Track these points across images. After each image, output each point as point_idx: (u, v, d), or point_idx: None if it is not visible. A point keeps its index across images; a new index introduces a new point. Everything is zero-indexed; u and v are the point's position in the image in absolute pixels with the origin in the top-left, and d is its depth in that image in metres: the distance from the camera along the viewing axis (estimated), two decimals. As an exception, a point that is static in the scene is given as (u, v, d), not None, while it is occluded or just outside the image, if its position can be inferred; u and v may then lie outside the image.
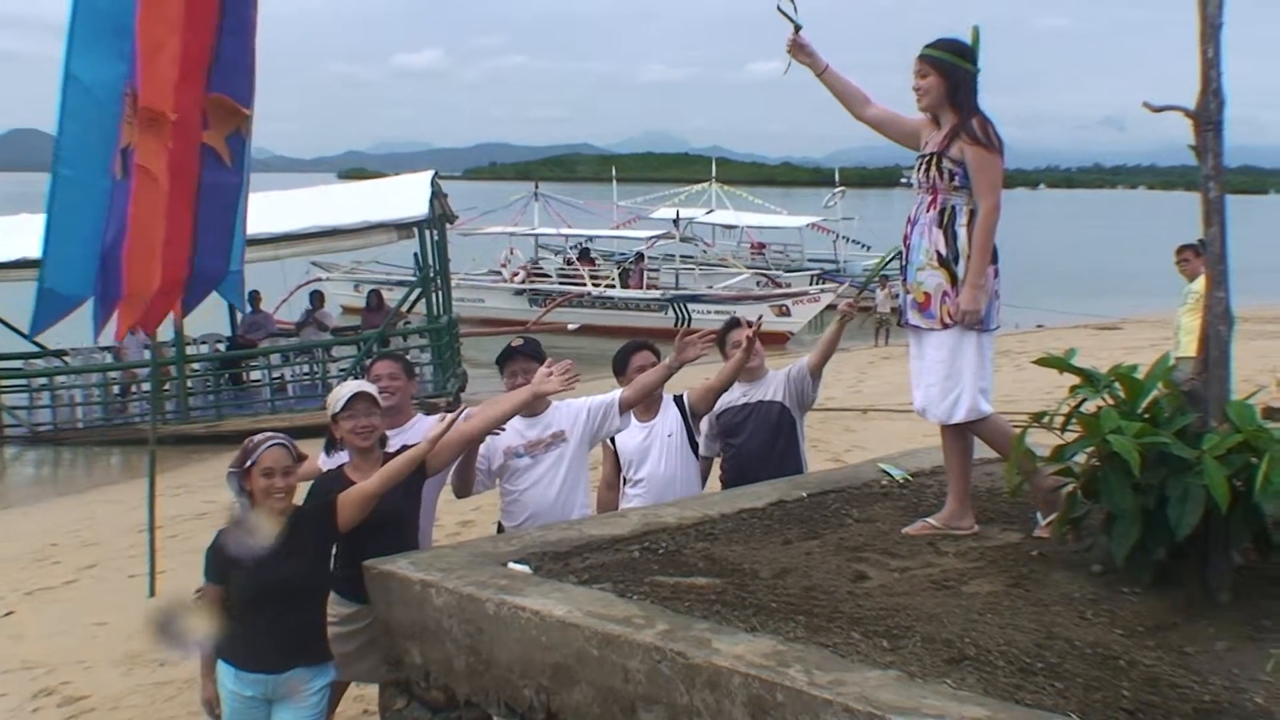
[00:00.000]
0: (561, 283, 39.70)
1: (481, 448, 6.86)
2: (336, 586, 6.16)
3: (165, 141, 9.13)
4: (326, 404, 6.32)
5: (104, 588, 11.57)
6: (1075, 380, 5.55)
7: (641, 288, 38.39)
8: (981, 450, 6.53)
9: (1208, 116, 5.29)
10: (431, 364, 22.40)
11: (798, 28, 6.40)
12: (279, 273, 27.99)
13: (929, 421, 6.38)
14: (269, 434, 5.83)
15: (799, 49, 6.45)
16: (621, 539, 6.09)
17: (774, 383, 7.93)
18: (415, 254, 23.58)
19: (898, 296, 6.63)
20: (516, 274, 40.54)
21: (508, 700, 5.12)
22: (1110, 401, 5.38)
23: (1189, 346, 9.17)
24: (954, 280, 6.04)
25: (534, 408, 6.94)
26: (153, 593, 10.25)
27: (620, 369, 7.67)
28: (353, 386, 6.28)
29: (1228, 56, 5.32)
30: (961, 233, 6.04)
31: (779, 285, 40.26)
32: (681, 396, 7.73)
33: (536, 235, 44.37)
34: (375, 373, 6.90)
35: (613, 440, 7.62)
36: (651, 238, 42.53)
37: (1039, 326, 33.80)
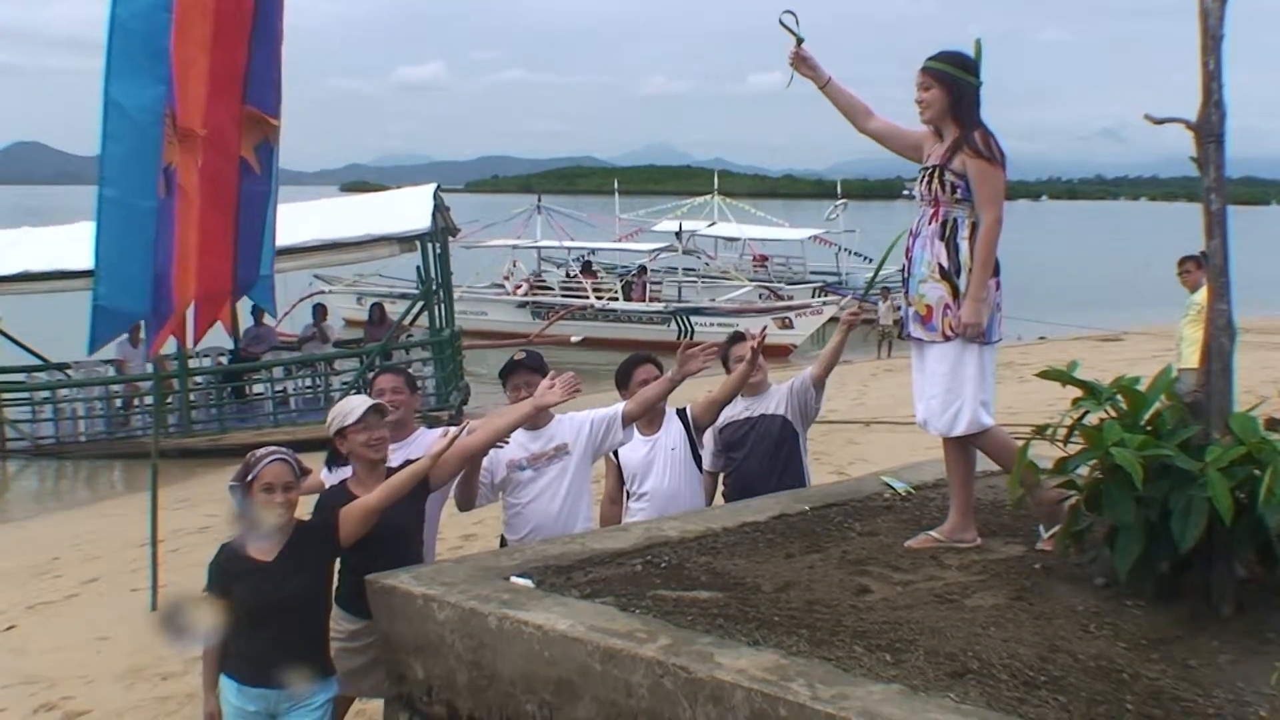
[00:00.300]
0: (564, 295, 39.69)
1: (485, 460, 6.86)
2: (342, 602, 6.16)
3: (196, 157, 9.23)
4: (329, 419, 6.30)
5: (106, 602, 11.56)
6: (1078, 392, 5.56)
7: (644, 300, 38.37)
8: (984, 463, 6.53)
9: (1209, 129, 5.30)
10: (434, 377, 22.38)
11: (800, 40, 6.41)
12: (281, 286, 27.93)
13: (931, 434, 6.38)
14: (272, 448, 5.82)
15: (801, 61, 6.46)
16: (624, 553, 6.08)
17: (777, 396, 7.92)
18: (418, 267, 23.59)
19: (900, 309, 6.63)
20: (519, 287, 40.54)
21: (510, 715, 5.10)
22: (1113, 414, 5.38)
23: (1191, 358, 9.17)
24: (956, 293, 6.04)
25: (537, 421, 6.94)
26: (155, 607, 10.25)
27: (623, 382, 7.67)
28: (362, 400, 6.27)
29: (1228, 67, 5.32)
30: (963, 245, 6.04)
31: (781, 298, 40.24)
32: (685, 410, 7.72)
33: (539, 248, 44.38)
34: (379, 386, 6.90)
35: (616, 454, 7.61)
36: (654, 250, 42.54)
37: (1041, 338, 33.79)
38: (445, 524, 7.38)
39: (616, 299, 38.30)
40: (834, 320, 31.02)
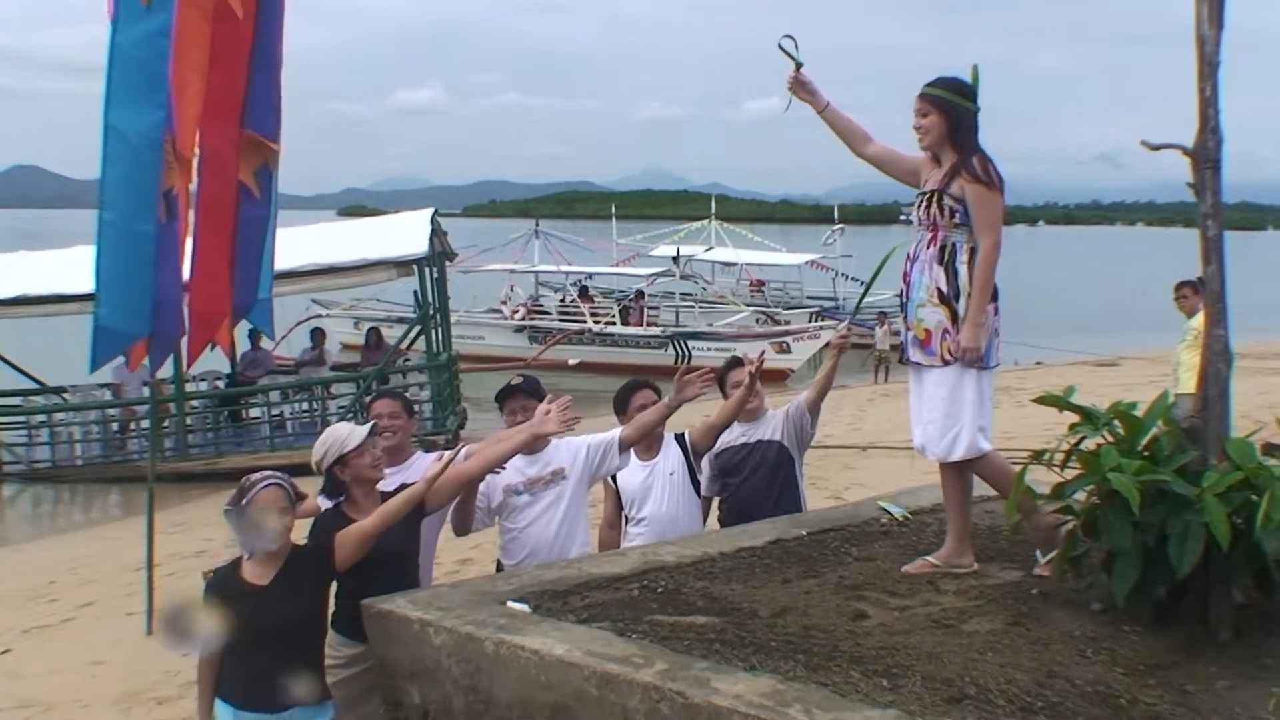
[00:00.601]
0: (562, 320, 39.69)
1: (481, 485, 6.85)
2: (339, 626, 6.15)
3: (188, 180, 9.27)
4: (322, 451, 6.23)
5: (102, 625, 11.53)
6: (1075, 418, 5.56)
7: (642, 325, 38.39)
8: (981, 488, 6.53)
9: (1206, 154, 5.31)
10: (431, 401, 22.37)
11: (799, 65, 6.42)
12: (279, 309, 27.96)
13: (928, 459, 6.38)
14: (267, 473, 5.80)
15: (800, 86, 6.48)
16: (621, 577, 6.08)
17: (773, 422, 7.93)
18: (415, 291, 23.60)
19: (898, 333, 6.64)
20: (517, 311, 40.56)
21: (507, 740, 5.09)
22: (1110, 439, 5.38)
23: (1188, 383, 9.19)
24: (954, 317, 6.04)
25: (534, 445, 6.94)
26: (150, 631, 10.23)
27: (621, 407, 7.67)
28: (350, 426, 6.26)
29: (1224, 93, 5.34)
30: (962, 270, 6.05)
31: (778, 323, 40.26)
32: (683, 435, 7.72)
33: (537, 272, 44.40)
34: (376, 411, 6.90)
35: (614, 479, 7.61)
36: (652, 275, 42.56)
37: (1038, 363, 33.77)
38: (442, 548, 7.37)
39: (614, 323, 38.31)
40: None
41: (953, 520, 6.33)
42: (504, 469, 6.84)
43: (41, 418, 22.56)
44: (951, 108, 6.13)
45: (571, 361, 34.35)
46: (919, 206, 6.23)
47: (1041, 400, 5.81)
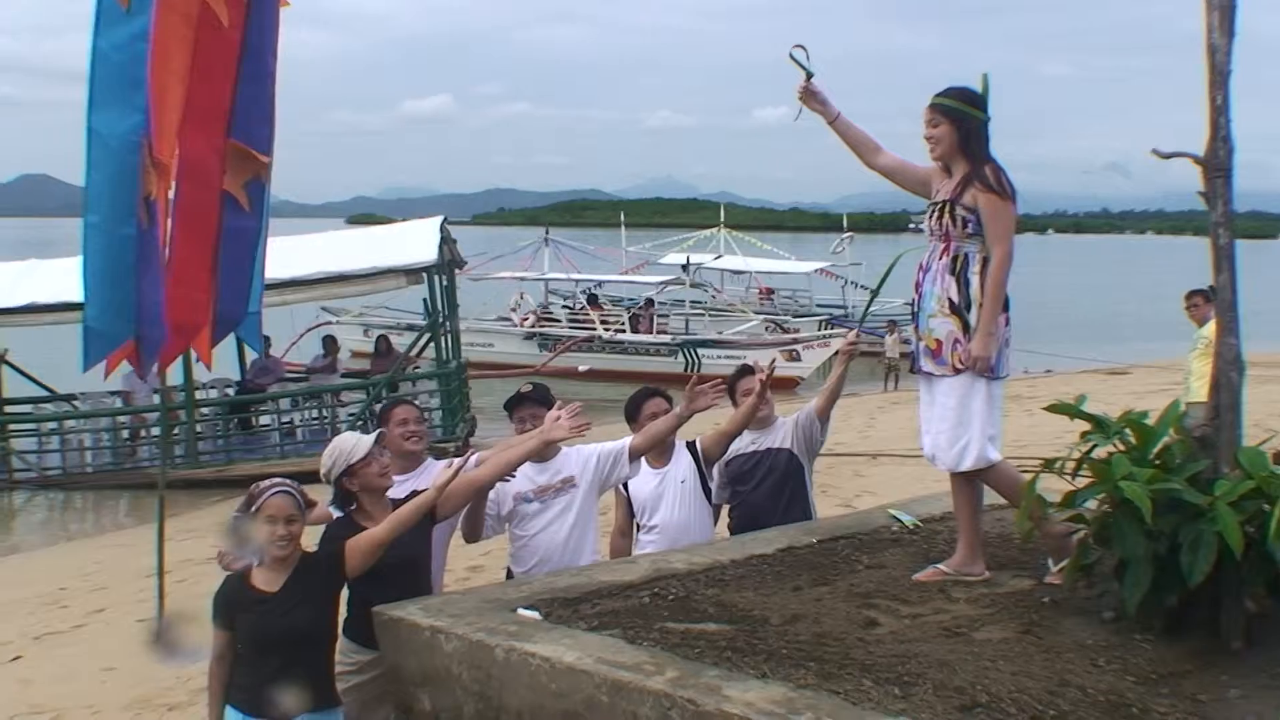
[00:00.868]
0: (572, 327, 39.69)
1: (491, 492, 6.86)
2: (351, 633, 6.16)
3: (167, 186, 9.27)
4: (329, 463, 6.23)
5: (112, 632, 11.55)
6: (1085, 426, 5.55)
7: (651, 333, 38.39)
8: (992, 495, 6.52)
9: (1217, 163, 5.31)
10: (440, 409, 22.39)
11: (809, 75, 6.42)
12: (288, 317, 28.07)
13: (937, 468, 6.37)
14: (275, 481, 5.81)
15: (810, 96, 6.47)
16: (631, 585, 6.08)
17: (783, 430, 7.92)
18: (424, 299, 23.61)
19: (908, 342, 6.64)
20: (526, 318, 40.58)
21: (517, 747, 5.10)
22: (1121, 448, 5.38)
23: (1199, 391, 9.15)
24: (966, 327, 6.04)
25: (544, 453, 6.94)
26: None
27: (633, 415, 7.67)
28: (356, 436, 6.27)
29: (1235, 102, 5.34)
30: (974, 280, 6.04)
31: (787, 331, 40.25)
32: (694, 442, 7.72)
33: (546, 280, 44.40)
34: (399, 416, 6.92)
35: (625, 487, 7.61)
36: (661, 283, 42.57)
37: (1048, 371, 33.73)
38: (452, 556, 7.37)
39: (623, 330, 38.31)
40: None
41: (963, 528, 6.32)
42: (514, 476, 6.84)
43: (52, 425, 22.65)
44: (962, 117, 6.13)
45: (582, 368, 34.35)
46: (931, 217, 6.22)
47: (1052, 408, 5.81)
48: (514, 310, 41.32)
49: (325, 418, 23.25)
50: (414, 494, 6.16)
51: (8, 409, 23.45)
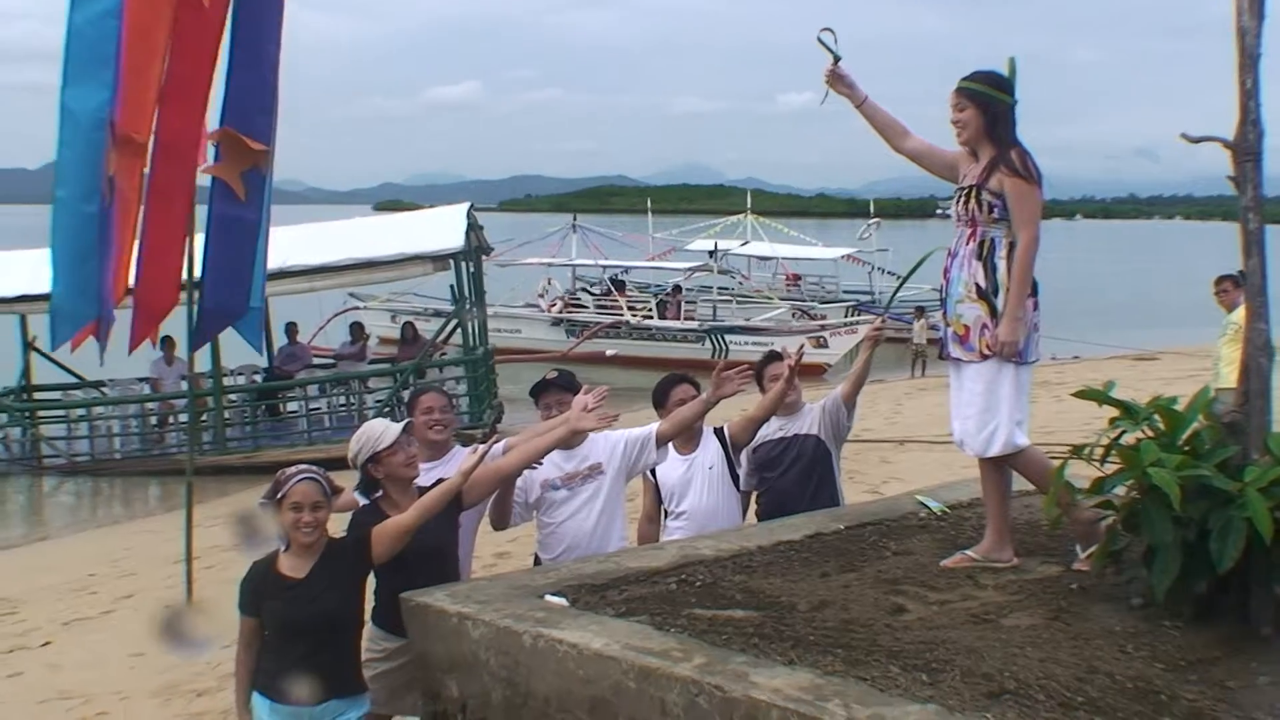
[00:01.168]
0: (599, 313, 39.68)
1: (519, 479, 6.87)
2: (379, 620, 6.17)
3: (139, 163, 9.25)
4: (356, 449, 6.19)
5: (141, 618, 11.58)
6: (1114, 412, 5.53)
7: (679, 319, 38.37)
8: (1021, 482, 6.50)
9: (1246, 147, 5.28)
10: (467, 395, 22.42)
11: (837, 58, 6.40)
12: (316, 303, 28.16)
13: (967, 454, 6.36)
14: (301, 467, 5.80)
15: (838, 80, 6.45)
16: (658, 571, 6.08)
17: (810, 416, 7.91)
18: (451, 285, 23.64)
19: (935, 328, 6.63)
20: (554, 304, 40.61)
21: (545, 733, 5.10)
22: (1150, 434, 5.35)
23: (1229, 378, 9.11)
24: (993, 313, 6.01)
25: (571, 440, 6.94)
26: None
27: (660, 401, 7.66)
28: (384, 423, 6.26)
29: (1265, 85, 5.30)
30: (1001, 265, 6.02)
31: (814, 317, 40.19)
32: (722, 429, 7.72)
33: (574, 266, 44.40)
34: (427, 404, 6.91)
35: (653, 473, 7.61)
36: (688, 269, 42.56)
37: (1076, 358, 33.58)
38: (479, 542, 7.39)
39: (651, 317, 38.30)
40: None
41: (991, 515, 6.30)
42: (541, 464, 6.85)
43: (81, 412, 22.78)
44: (989, 101, 6.10)
45: (609, 352, 34.36)
46: (957, 202, 6.20)
47: (1081, 395, 5.79)
48: (541, 296, 41.33)
49: (353, 404, 23.31)
50: (440, 482, 6.16)
51: (37, 395, 23.59)
